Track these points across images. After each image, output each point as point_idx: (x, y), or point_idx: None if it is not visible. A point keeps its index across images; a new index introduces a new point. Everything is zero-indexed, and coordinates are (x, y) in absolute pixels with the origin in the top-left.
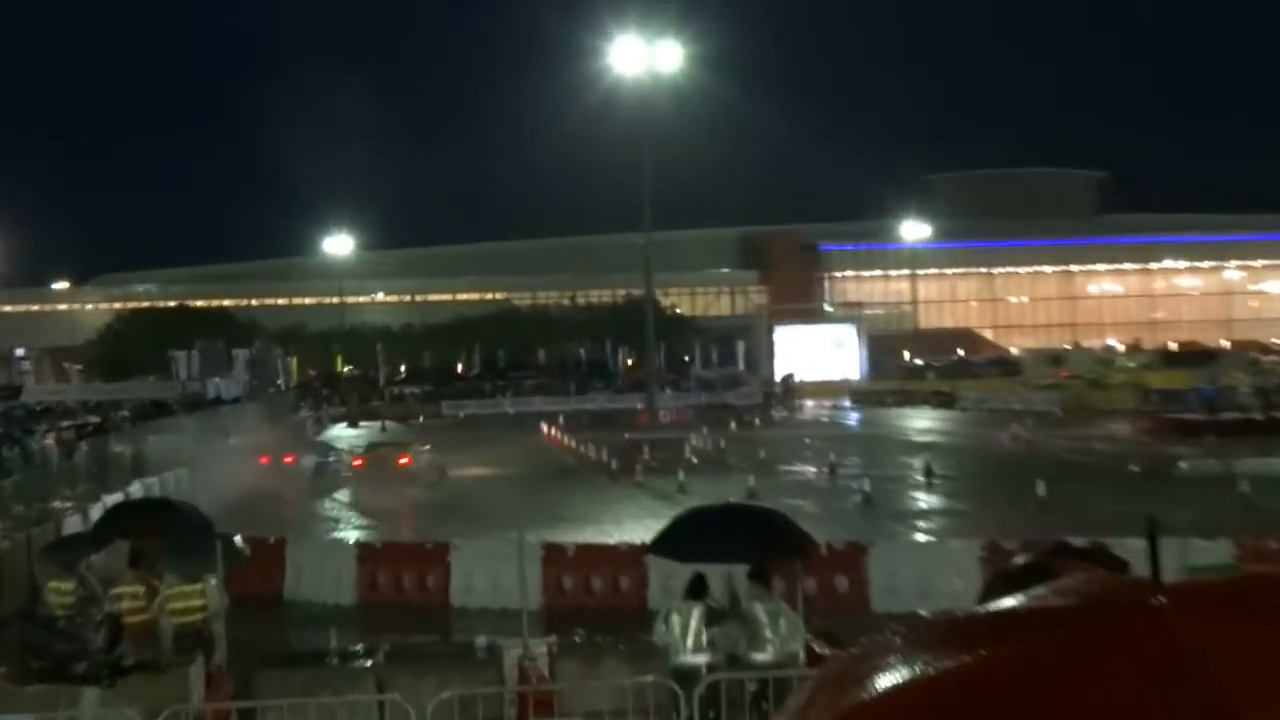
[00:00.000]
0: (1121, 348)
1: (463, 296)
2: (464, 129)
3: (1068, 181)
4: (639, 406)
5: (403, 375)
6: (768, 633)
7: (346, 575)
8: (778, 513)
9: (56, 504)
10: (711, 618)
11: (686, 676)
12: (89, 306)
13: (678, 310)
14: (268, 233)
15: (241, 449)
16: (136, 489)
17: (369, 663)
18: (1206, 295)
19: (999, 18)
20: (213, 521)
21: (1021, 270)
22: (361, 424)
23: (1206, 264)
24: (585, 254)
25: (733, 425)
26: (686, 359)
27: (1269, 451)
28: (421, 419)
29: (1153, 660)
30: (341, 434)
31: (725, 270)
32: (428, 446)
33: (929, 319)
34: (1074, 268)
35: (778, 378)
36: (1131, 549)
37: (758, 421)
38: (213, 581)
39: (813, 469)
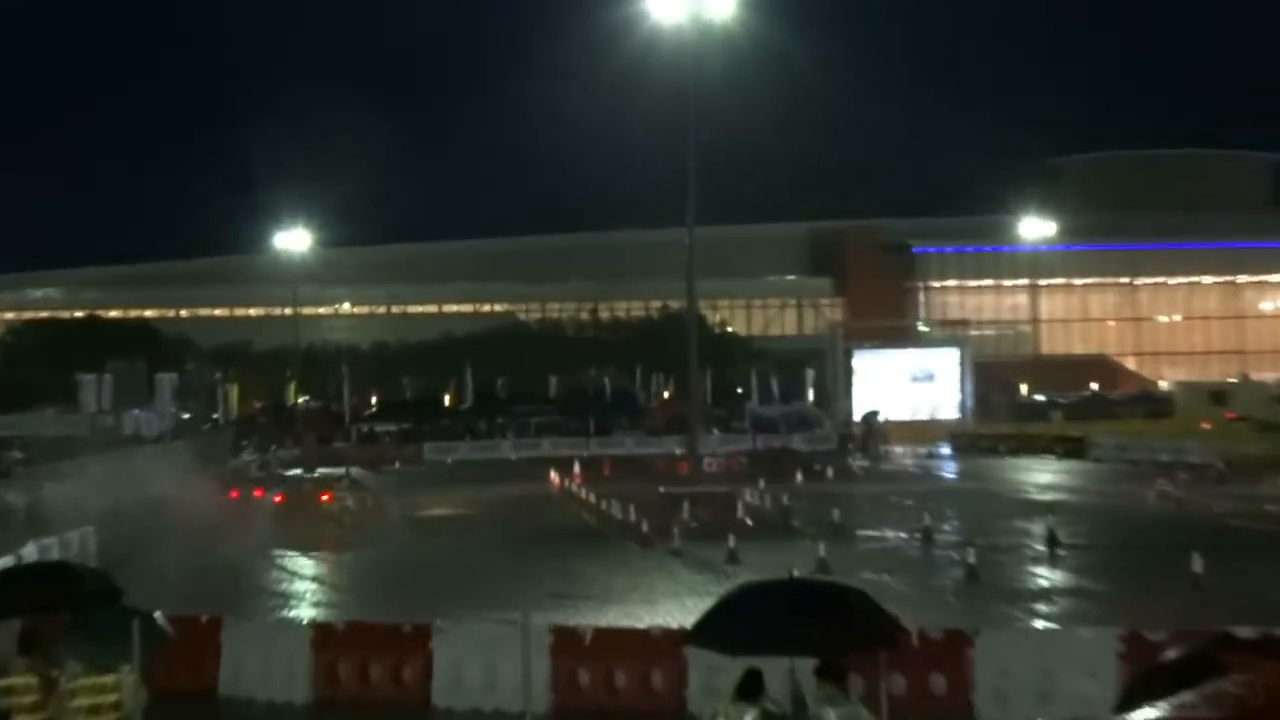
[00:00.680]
0: None
1: (452, 308)
2: (455, 92)
3: (1236, 167)
4: (677, 452)
5: (374, 409)
6: None
7: (299, 665)
8: (855, 590)
9: None
10: None
11: None
12: None
13: (729, 328)
14: (202, 225)
15: (166, 500)
16: (31, 551)
17: None
18: None
19: None
20: (127, 594)
21: (1173, 280)
22: (321, 470)
23: None
24: (610, 255)
25: (798, 477)
26: (739, 391)
27: None
28: (397, 465)
29: None
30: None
31: (790, 278)
32: (359, 485)
33: (1053, 342)
34: (1242, 278)
35: (857, 416)
36: None
37: (830, 473)
38: (128, 672)
39: (901, 534)
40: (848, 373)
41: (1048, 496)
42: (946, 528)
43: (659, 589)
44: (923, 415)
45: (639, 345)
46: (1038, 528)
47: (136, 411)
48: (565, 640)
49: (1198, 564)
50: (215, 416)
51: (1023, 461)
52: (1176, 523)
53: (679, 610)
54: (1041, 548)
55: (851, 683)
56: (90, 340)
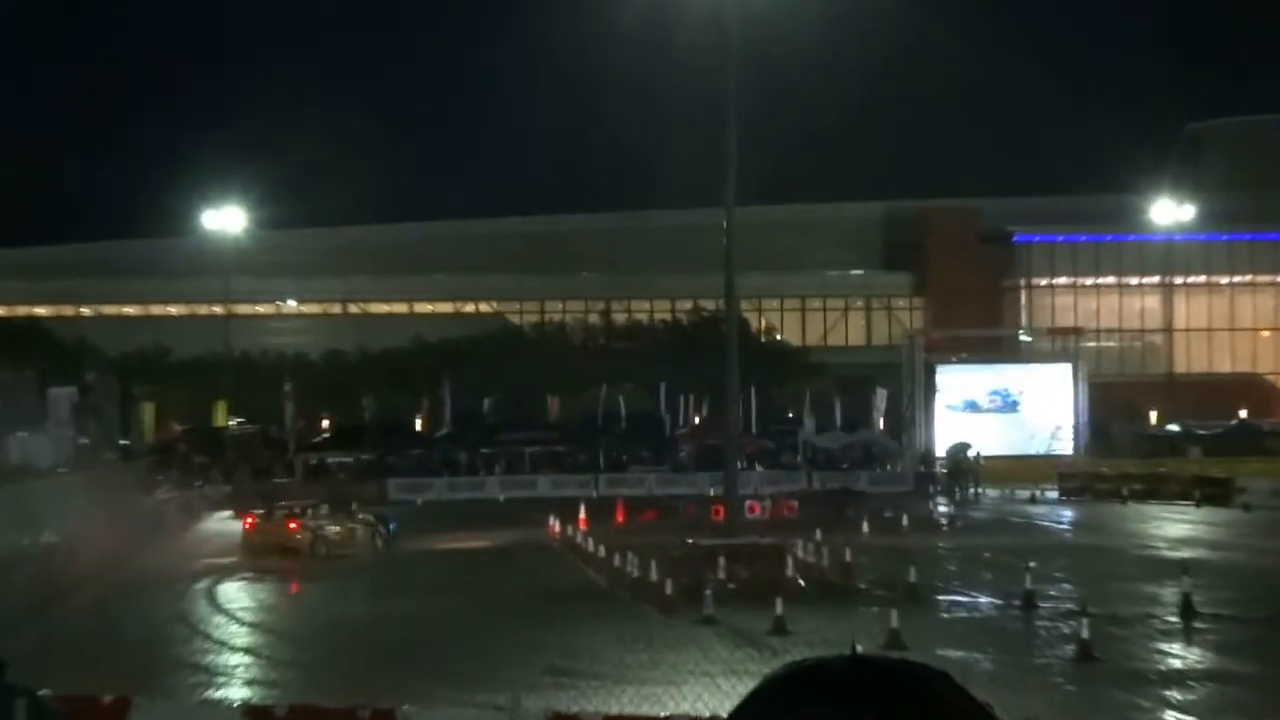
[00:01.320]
0: None
1: (426, 307)
2: (431, 38)
3: None
4: (711, 493)
5: (326, 434)
6: None
7: None
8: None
9: None
10: None
11: None
12: None
13: (778, 336)
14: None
15: (64, 549)
16: None
17: None
18: None
19: None
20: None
21: None
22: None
23: None
24: (629, 242)
25: (865, 527)
26: (791, 416)
27: None
28: (354, 507)
29: None
30: (228, 527)
31: (857, 273)
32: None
33: (1192, 358)
34: None
35: (940, 450)
36: None
37: (906, 521)
38: None
39: (996, 600)
40: (929, 394)
41: (1183, 553)
42: (1054, 592)
43: (685, 667)
44: (1025, 449)
45: (664, 357)
46: (1170, 593)
47: (23, 434)
48: None
49: None
50: (124, 443)
51: (1151, 509)
52: None
53: (711, 694)
54: (1174, 619)
55: None
56: None
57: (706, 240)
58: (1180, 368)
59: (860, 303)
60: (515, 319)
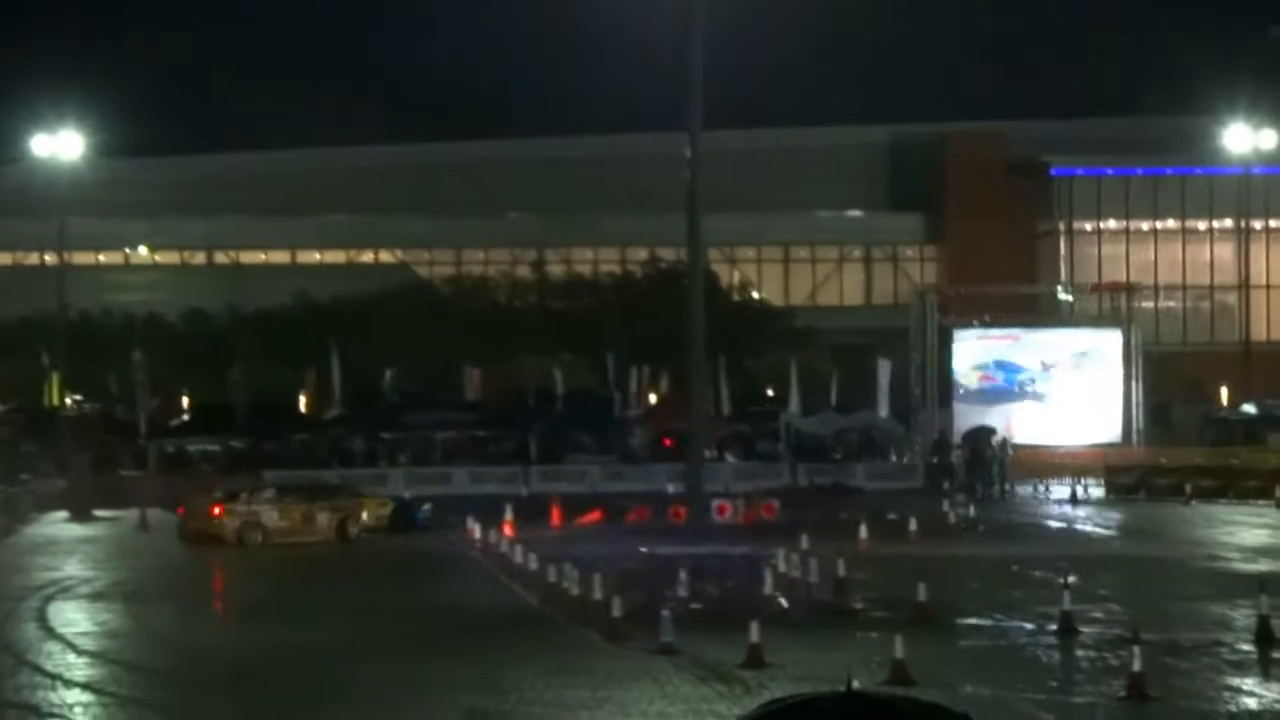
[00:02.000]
0: None
1: (313, 256)
2: None
3: None
4: (671, 490)
5: (185, 416)
6: None
7: None
8: (953, 713)
9: None
10: None
11: None
12: None
13: (755, 295)
14: None
15: None
16: None
17: None
18: None
19: None
20: None
21: None
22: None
23: None
24: (568, 176)
25: (863, 532)
26: (771, 394)
27: None
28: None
29: None
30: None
31: (855, 214)
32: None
33: (1272, 321)
34: None
35: (958, 436)
36: None
37: (914, 525)
38: None
39: (1027, 625)
40: (945, 367)
41: (1260, 566)
42: (1099, 614)
43: (638, 706)
44: (1064, 437)
45: (611, 320)
46: (1243, 616)
47: None
48: None
49: None
50: None
51: (1221, 510)
52: None
53: None
54: (1248, 647)
55: None
56: None
57: (666, 173)
58: (1258, 334)
59: (859, 252)
60: (424, 271)
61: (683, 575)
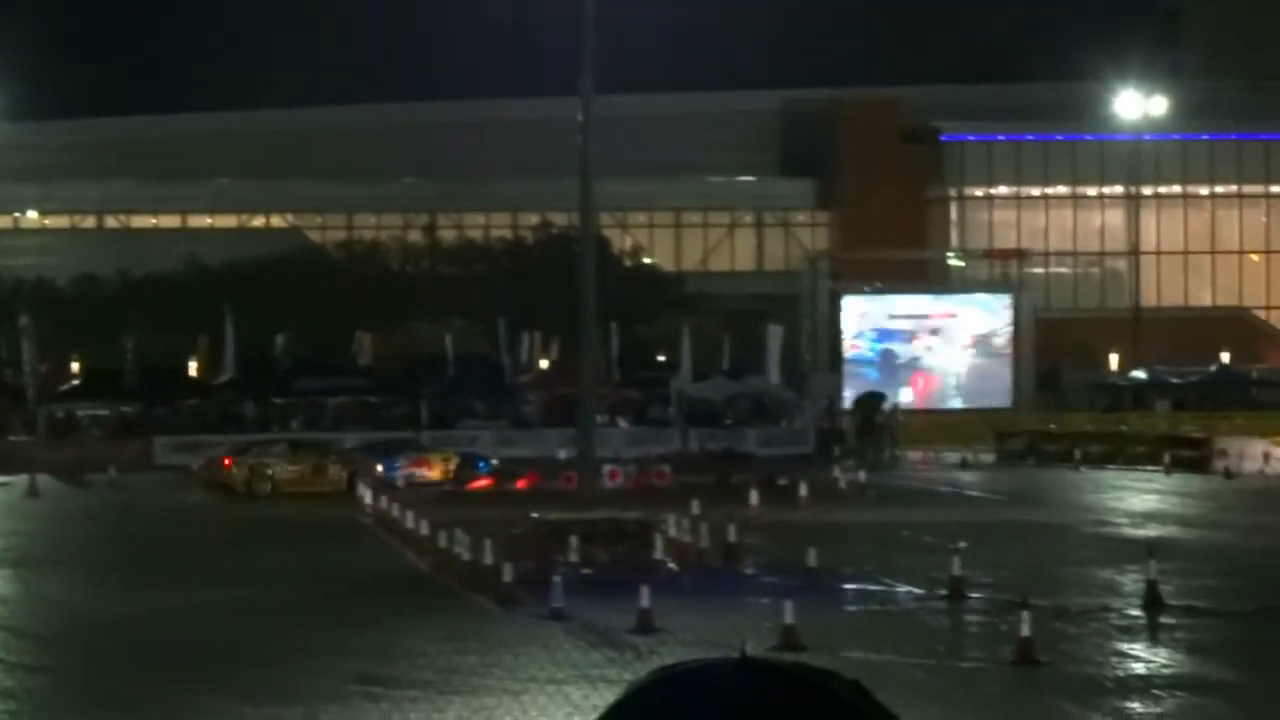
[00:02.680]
0: None
1: (204, 221)
2: None
3: None
4: (562, 455)
5: (75, 381)
6: None
7: None
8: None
9: None
10: None
11: None
12: None
13: (646, 260)
14: None
15: None
16: None
17: None
18: None
19: None
20: None
21: None
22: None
23: None
24: (457, 140)
25: (754, 497)
26: (662, 360)
27: None
28: (112, 471)
29: None
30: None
31: (746, 179)
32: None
33: (1162, 287)
34: None
35: (848, 401)
36: None
37: (805, 490)
38: None
39: (916, 590)
40: (835, 332)
41: (1149, 531)
42: (988, 579)
43: (527, 672)
44: (954, 402)
45: (503, 285)
46: (1132, 581)
47: None
48: None
49: None
50: None
51: (1110, 476)
52: None
53: (559, 706)
54: (1137, 612)
55: None
56: None
57: (557, 138)
58: (1149, 300)
59: (750, 217)
60: (316, 236)
61: (574, 541)
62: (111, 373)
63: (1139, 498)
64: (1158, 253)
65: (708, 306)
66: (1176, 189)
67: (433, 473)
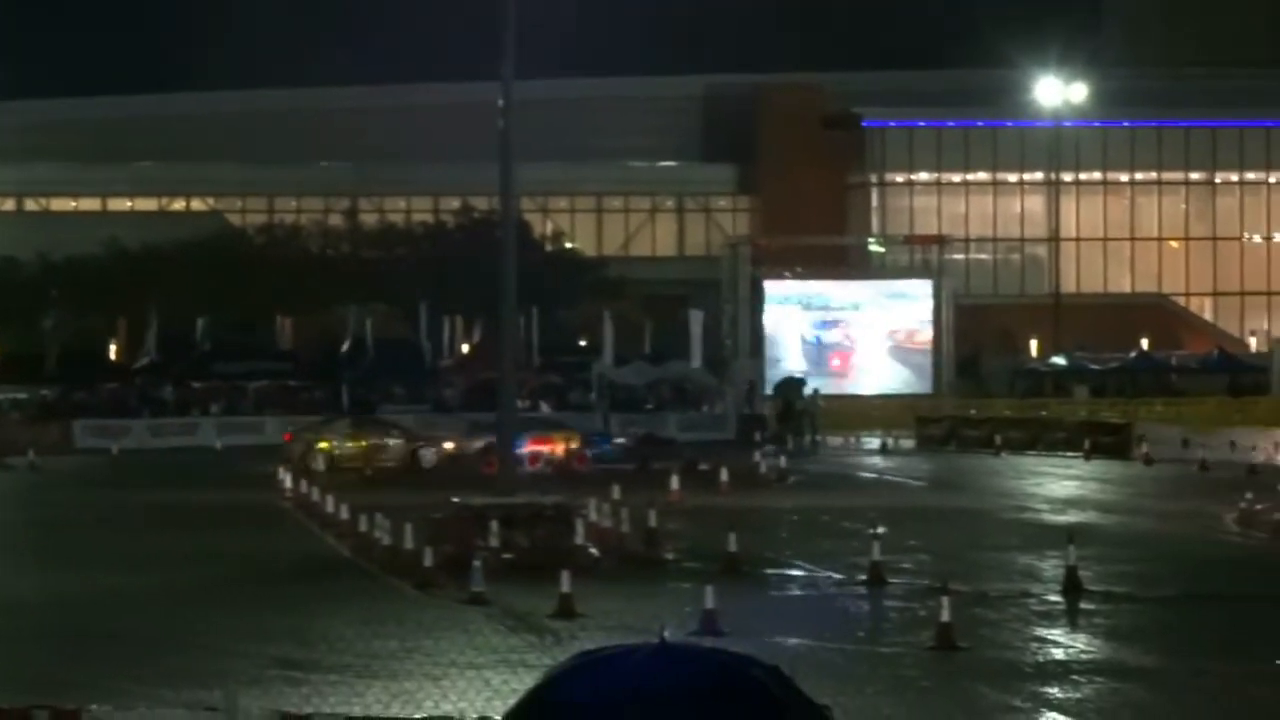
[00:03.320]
0: None
1: (124, 204)
2: None
3: None
4: (481, 441)
5: None
6: None
7: None
8: (764, 664)
9: None
10: None
11: None
12: None
13: (568, 244)
14: None
15: None
16: None
17: None
18: None
19: None
20: None
21: (1277, 177)
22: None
23: None
24: (377, 124)
25: (674, 482)
26: (583, 344)
27: None
28: (31, 455)
29: None
30: None
31: (668, 164)
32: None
33: (1084, 275)
34: None
35: (769, 387)
36: None
37: (726, 475)
38: None
39: (836, 575)
40: (757, 317)
41: (1068, 517)
42: (908, 565)
43: (447, 656)
44: (875, 388)
45: (424, 269)
46: (1051, 567)
47: None
48: None
49: None
50: None
51: (1030, 461)
52: (1269, 560)
53: (479, 690)
54: (1056, 598)
55: None
56: None
57: (478, 122)
58: (1069, 287)
59: (671, 202)
60: (237, 219)
61: (494, 526)
62: (31, 356)
63: (1059, 483)
64: (1078, 239)
65: (629, 291)
66: (1097, 175)
67: (556, 450)
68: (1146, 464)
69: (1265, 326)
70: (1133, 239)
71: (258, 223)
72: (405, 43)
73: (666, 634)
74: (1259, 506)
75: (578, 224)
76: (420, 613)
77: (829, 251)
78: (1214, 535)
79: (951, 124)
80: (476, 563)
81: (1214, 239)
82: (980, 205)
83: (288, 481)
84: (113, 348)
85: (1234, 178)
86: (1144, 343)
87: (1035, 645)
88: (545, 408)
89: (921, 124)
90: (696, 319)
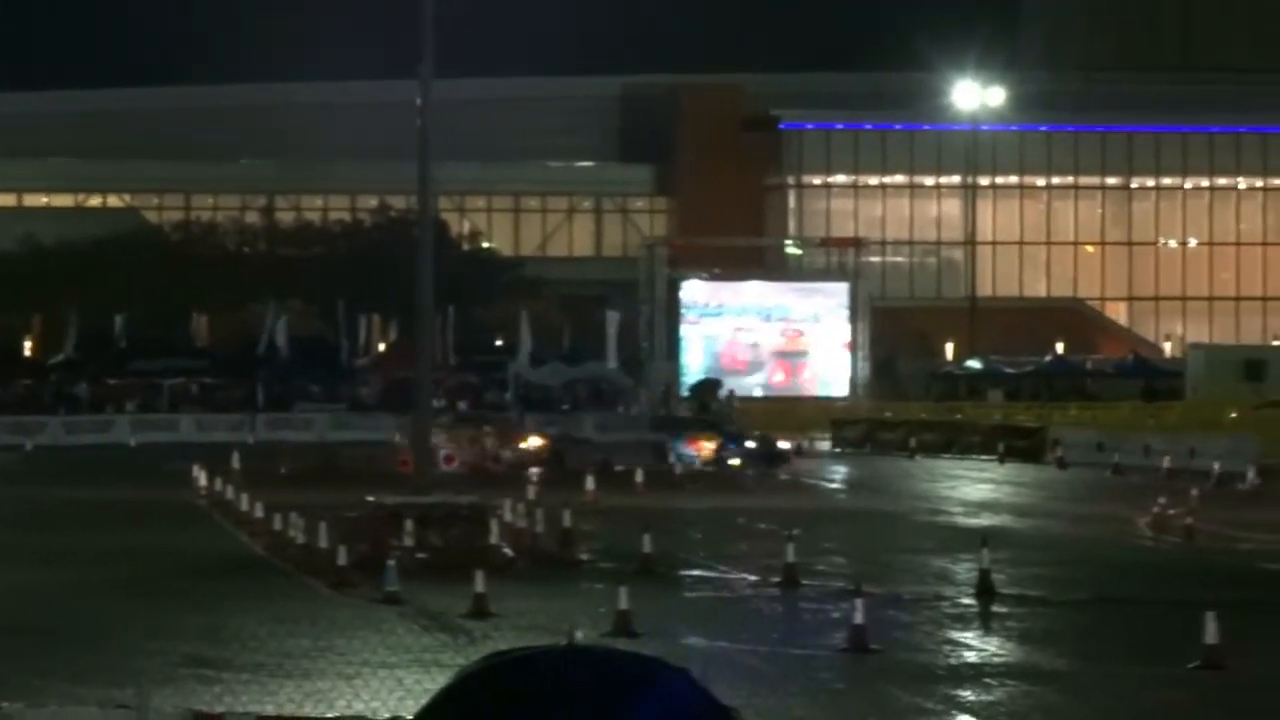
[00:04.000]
0: None
1: (40, 199)
2: None
3: None
4: (397, 440)
5: None
6: None
7: None
8: (674, 668)
9: None
10: None
11: None
12: None
13: (485, 244)
14: None
15: None
16: None
17: None
18: None
19: None
20: None
21: (1194, 183)
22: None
23: None
24: (295, 122)
25: (589, 483)
26: (499, 344)
27: None
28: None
29: None
30: None
31: (585, 164)
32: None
33: (998, 277)
34: None
35: (686, 389)
36: None
37: (641, 476)
38: None
39: (750, 576)
40: (673, 318)
41: (982, 520)
42: (822, 567)
43: (361, 655)
44: (790, 389)
45: (341, 268)
46: (965, 570)
47: None
48: None
49: (1212, 630)
50: None
51: (945, 465)
52: (1182, 565)
53: (391, 690)
54: (970, 601)
55: None
56: None
57: (396, 121)
58: (984, 290)
59: (589, 203)
60: (153, 216)
61: (409, 525)
62: None
63: (973, 486)
64: (994, 243)
65: (546, 291)
66: (1013, 179)
67: (703, 452)
68: (1060, 468)
69: (1180, 331)
70: (1049, 243)
71: (174, 219)
72: (323, 40)
73: (578, 635)
74: (1171, 511)
75: (495, 223)
76: (334, 612)
77: (746, 253)
78: (1127, 539)
79: (869, 127)
80: (391, 562)
81: (1129, 244)
82: (897, 208)
83: (202, 479)
84: (28, 344)
85: (1150, 183)
86: (1059, 347)
87: (948, 648)
88: (462, 406)
89: (839, 126)
90: (613, 319)
